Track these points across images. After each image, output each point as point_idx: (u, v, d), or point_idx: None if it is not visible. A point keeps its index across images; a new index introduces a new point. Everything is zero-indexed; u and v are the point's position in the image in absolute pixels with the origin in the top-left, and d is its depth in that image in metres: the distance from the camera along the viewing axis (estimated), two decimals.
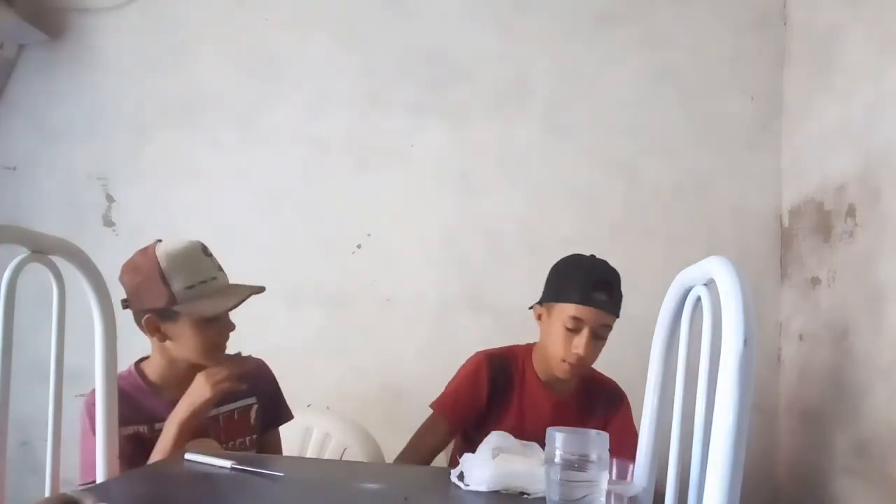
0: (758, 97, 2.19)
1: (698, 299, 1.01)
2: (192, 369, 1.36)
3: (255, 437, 1.49)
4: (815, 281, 1.91)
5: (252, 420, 1.49)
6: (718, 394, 0.76)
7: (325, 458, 1.80)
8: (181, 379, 1.37)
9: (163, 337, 1.35)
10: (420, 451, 1.54)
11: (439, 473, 1.20)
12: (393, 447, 1.85)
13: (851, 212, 1.73)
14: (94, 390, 1.26)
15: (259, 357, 1.55)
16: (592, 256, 1.52)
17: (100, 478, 1.19)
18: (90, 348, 1.22)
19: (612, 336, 2.02)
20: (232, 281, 1.42)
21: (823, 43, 1.93)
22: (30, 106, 2.33)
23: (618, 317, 1.50)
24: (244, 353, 1.48)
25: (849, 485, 1.69)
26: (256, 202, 2.26)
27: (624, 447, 1.50)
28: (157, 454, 1.30)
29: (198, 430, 1.34)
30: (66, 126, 2.32)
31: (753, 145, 2.18)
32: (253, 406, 1.49)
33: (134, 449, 1.32)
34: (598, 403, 1.55)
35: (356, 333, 2.20)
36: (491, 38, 2.26)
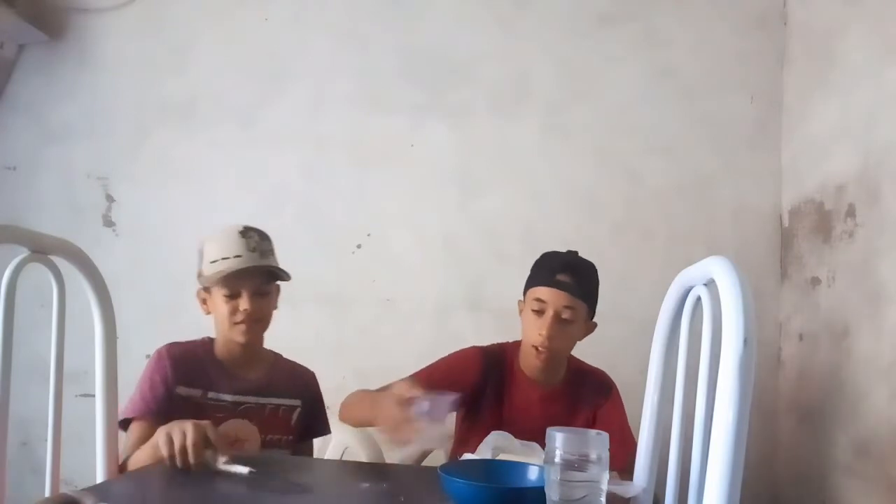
0: (758, 97, 2.18)
1: (698, 299, 1.01)
2: (243, 351, 1.46)
3: (290, 438, 1.52)
4: (815, 281, 1.91)
5: (293, 422, 1.53)
6: (718, 394, 0.76)
7: (325, 458, 1.80)
8: (235, 357, 1.47)
9: (206, 310, 1.47)
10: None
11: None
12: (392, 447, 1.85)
13: (851, 212, 1.73)
14: (170, 345, 1.43)
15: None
16: (568, 251, 1.55)
17: (100, 478, 1.19)
18: (90, 348, 1.22)
19: (612, 336, 2.01)
20: None
21: (823, 43, 1.93)
22: (30, 106, 2.33)
23: (587, 304, 1.50)
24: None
25: (849, 485, 1.69)
26: (256, 202, 2.26)
27: (612, 437, 1.51)
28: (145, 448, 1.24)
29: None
30: (66, 126, 2.32)
31: (753, 145, 2.18)
32: (297, 409, 1.53)
33: (182, 409, 1.33)
34: (585, 394, 1.55)
35: (356, 333, 2.20)
36: (491, 38, 2.26)
